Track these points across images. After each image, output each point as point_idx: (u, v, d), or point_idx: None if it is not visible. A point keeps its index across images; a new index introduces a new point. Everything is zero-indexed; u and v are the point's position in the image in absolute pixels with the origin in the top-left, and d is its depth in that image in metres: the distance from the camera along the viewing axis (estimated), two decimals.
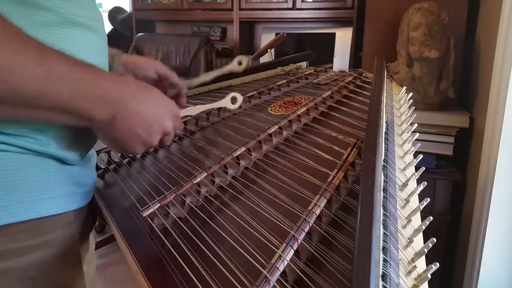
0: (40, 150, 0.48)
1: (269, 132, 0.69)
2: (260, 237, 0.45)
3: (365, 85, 0.95)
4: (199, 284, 0.40)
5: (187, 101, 0.77)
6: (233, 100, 0.66)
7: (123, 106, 0.47)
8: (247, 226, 0.47)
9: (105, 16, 3.24)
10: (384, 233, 0.38)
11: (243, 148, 0.65)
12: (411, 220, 0.44)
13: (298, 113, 0.76)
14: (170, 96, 0.71)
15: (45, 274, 0.51)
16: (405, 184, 0.51)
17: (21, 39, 0.39)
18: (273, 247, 0.42)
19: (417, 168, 0.55)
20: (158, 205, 0.53)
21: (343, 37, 2.42)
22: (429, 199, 0.46)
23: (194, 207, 0.54)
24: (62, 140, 0.50)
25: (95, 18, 0.54)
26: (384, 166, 0.50)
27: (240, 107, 0.85)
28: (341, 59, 2.41)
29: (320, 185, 0.52)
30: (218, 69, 0.75)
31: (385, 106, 0.73)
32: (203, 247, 0.45)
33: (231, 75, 1.25)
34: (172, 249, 0.46)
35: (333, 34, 2.46)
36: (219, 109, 0.90)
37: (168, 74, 0.73)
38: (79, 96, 0.43)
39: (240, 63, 0.71)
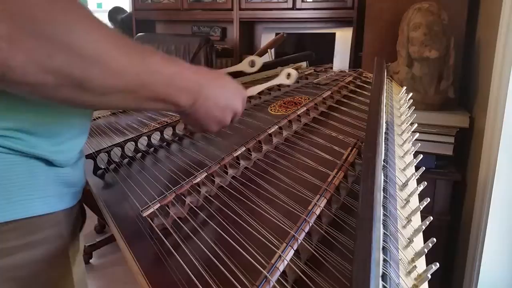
0: (28, 152, 0.48)
1: (269, 132, 0.69)
2: (260, 237, 0.45)
3: (365, 85, 0.95)
4: (199, 284, 0.40)
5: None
6: (288, 76, 0.72)
7: (202, 93, 0.54)
8: (247, 226, 0.47)
9: (105, 16, 3.24)
10: (384, 233, 0.38)
11: (243, 148, 0.65)
12: (411, 220, 0.44)
13: (298, 113, 0.76)
14: None
15: (33, 274, 0.51)
16: (405, 184, 0.51)
17: (126, 43, 0.45)
18: (273, 247, 0.42)
19: (417, 168, 0.55)
20: (158, 205, 0.53)
21: (343, 37, 2.42)
22: (429, 199, 0.46)
23: (194, 207, 0.54)
24: (50, 142, 0.50)
25: None
26: (384, 166, 0.50)
27: (297, 81, 0.90)
28: (341, 59, 2.41)
29: (320, 185, 0.52)
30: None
31: (385, 106, 0.73)
32: (203, 247, 0.45)
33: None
34: (172, 249, 0.46)
35: (333, 34, 2.46)
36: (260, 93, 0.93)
37: None
38: (169, 87, 0.49)
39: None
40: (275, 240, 0.44)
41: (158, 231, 0.50)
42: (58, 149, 0.52)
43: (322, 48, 2.47)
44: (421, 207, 0.45)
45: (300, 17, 2.48)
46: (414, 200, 0.48)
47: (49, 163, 0.51)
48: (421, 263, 0.38)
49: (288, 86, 0.72)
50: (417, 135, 0.65)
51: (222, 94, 0.57)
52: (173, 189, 0.56)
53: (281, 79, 0.70)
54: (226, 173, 0.61)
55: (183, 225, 0.51)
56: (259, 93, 0.93)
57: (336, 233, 0.44)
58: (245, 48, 2.78)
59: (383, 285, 0.31)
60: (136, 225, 0.55)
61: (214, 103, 0.56)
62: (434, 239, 0.38)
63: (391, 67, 1.65)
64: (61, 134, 0.52)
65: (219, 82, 0.57)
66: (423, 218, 0.43)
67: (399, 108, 0.81)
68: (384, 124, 0.63)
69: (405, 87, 0.93)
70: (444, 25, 1.50)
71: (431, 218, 0.41)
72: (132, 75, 0.44)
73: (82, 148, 0.59)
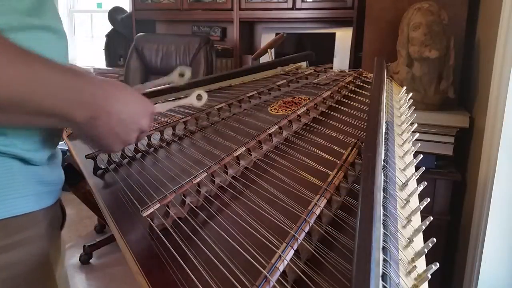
0: (3, 151, 0.48)
1: (269, 132, 0.69)
2: (260, 237, 0.45)
3: (365, 85, 0.95)
4: (199, 284, 0.40)
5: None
6: (199, 97, 0.67)
7: (102, 108, 0.48)
8: (247, 226, 0.47)
9: (105, 16, 3.24)
10: (384, 233, 0.38)
11: (243, 148, 0.65)
12: (411, 220, 0.44)
13: (298, 113, 0.76)
14: None
15: (13, 276, 0.51)
16: (405, 184, 0.51)
17: (3, 44, 0.41)
18: (273, 247, 0.42)
19: (417, 168, 0.55)
20: (158, 205, 0.53)
21: (343, 37, 2.42)
22: (429, 199, 0.46)
23: (194, 207, 0.54)
24: (25, 141, 0.51)
25: (55, 19, 0.55)
26: (384, 166, 0.50)
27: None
28: (341, 59, 2.41)
29: (320, 185, 0.52)
30: (151, 82, 0.72)
31: (385, 106, 0.73)
32: (203, 247, 0.45)
33: (231, 75, 1.25)
34: (172, 249, 0.46)
35: (333, 34, 2.46)
36: (219, 109, 0.90)
37: None
38: (60, 100, 0.44)
39: (182, 75, 0.68)
40: (275, 240, 0.44)
41: (158, 231, 0.50)
42: (33, 148, 0.52)
43: (322, 48, 2.47)
44: (421, 207, 0.45)
45: (300, 17, 2.48)
46: (414, 200, 0.48)
47: (25, 162, 0.51)
48: (421, 263, 0.38)
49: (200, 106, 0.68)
50: (417, 135, 0.65)
51: (127, 110, 0.52)
52: (173, 189, 0.56)
53: (191, 100, 0.67)
54: (226, 173, 0.61)
55: (183, 225, 0.51)
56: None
57: (336, 233, 0.44)
58: (245, 48, 2.78)
59: (383, 285, 0.31)
60: (136, 225, 0.55)
61: (117, 120, 0.50)
62: (434, 239, 0.38)
63: (391, 67, 1.65)
64: (35, 133, 0.52)
65: (124, 97, 0.52)
66: (423, 218, 0.43)
67: (399, 108, 0.81)
68: (384, 124, 0.63)
69: (405, 87, 0.93)
70: (444, 25, 1.50)
71: (431, 218, 0.41)
72: (16, 85, 0.41)
73: (57, 146, 0.59)
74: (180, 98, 0.68)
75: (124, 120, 0.51)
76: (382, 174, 0.48)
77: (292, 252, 0.40)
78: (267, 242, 0.44)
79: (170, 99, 0.84)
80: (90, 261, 2.23)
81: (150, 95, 1.13)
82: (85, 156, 0.76)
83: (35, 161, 0.53)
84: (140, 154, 0.79)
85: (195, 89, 0.69)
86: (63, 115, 0.46)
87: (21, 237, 0.51)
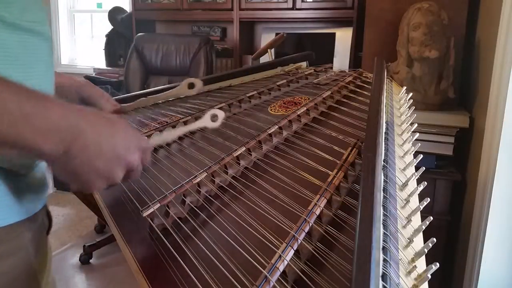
0: None
1: (269, 132, 0.69)
2: (260, 237, 0.45)
3: (365, 85, 0.95)
4: (199, 284, 0.40)
5: (173, 110, 0.72)
6: (214, 117, 0.59)
7: (78, 139, 0.42)
8: (247, 226, 0.47)
9: (105, 16, 3.24)
10: (384, 233, 0.38)
11: (243, 148, 0.65)
12: (411, 220, 0.44)
13: (298, 113, 0.76)
14: None
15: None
16: (405, 184, 0.51)
17: None
18: (273, 247, 0.42)
19: (417, 168, 0.55)
20: (158, 205, 0.53)
21: (343, 37, 2.42)
22: (429, 199, 0.46)
23: (194, 207, 0.54)
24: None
25: (39, 22, 0.53)
26: (384, 166, 0.50)
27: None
28: (341, 59, 2.41)
29: (320, 185, 0.52)
30: (164, 93, 0.68)
31: (385, 106, 0.73)
32: (203, 247, 0.45)
33: (231, 75, 1.25)
34: (172, 249, 0.46)
35: (333, 34, 2.46)
36: (219, 109, 0.90)
37: (94, 97, 0.70)
38: (24, 128, 0.39)
39: (191, 86, 0.63)
40: (275, 240, 0.44)
41: (158, 231, 0.50)
42: (13, 158, 0.48)
43: (322, 48, 2.48)
44: (421, 207, 0.45)
45: (300, 17, 2.48)
46: (414, 200, 0.48)
47: (6, 172, 0.48)
48: (421, 263, 0.38)
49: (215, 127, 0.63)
50: (417, 135, 0.65)
51: (109, 142, 0.45)
52: (173, 189, 0.56)
53: (204, 122, 0.58)
54: (226, 173, 0.61)
55: (183, 225, 0.51)
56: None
57: (336, 233, 0.44)
58: (245, 48, 2.78)
59: (383, 285, 0.31)
60: (136, 225, 0.55)
61: (97, 153, 0.44)
62: (434, 239, 0.38)
63: (391, 67, 1.65)
64: None
65: (108, 128, 0.46)
66: (423, 218, 0.43)
67: (399, 108, 0.81)
68: (384, 124, 0.63)
69: (405, 87, 0.93)
70: (444, 25, 1.50)
71: (431, 218, 0.41)
72: None
73: None
74: (185, 124, 0.61)
75: (105, 154, 0.45)
76: (382, 174, 0.48)
77: (292, 252, 0.40)
78: (267, 242, 0.44)
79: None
80: (90, 261, 2.23)
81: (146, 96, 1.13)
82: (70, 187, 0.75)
83: (17, 171, 0.50)
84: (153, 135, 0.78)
85: (208, 109, 0.63)
86: (30, 147, 0.40)
87: (2, 249, 0.49)
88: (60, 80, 0.68)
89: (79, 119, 0.43)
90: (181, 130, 0.58)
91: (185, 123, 0.87)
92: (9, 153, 0.42)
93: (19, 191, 0.51)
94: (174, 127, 0.85)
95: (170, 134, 0.57)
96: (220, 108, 0.90)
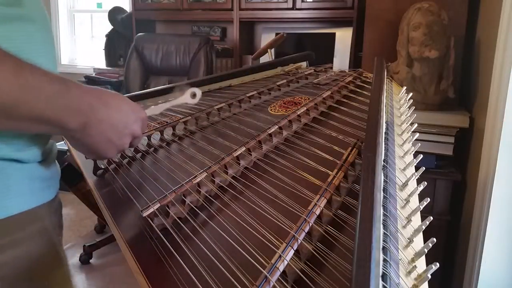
0: None
1: (269, 132, 0.69)
2: (260, 237, 0.45)
3: (365, 85, 0.95)
4: (199, 284, 0.40)
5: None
6: (193, 95, 0.67)
7: (93, 114, 0.49)
8: (247, 226, 0.47)
9: (105, 16, 3.24)
10: (384, 233, 0.38)
11: (243, 148, 0.65)
12: (411, 220, 0.44)
13: (298, 113, 0.76)
14: None
15: (21, 271, 0.52)
16: (405, 184, 0.51)
17: None
18: (273, 247, 0.42)
19: (417, 168, 0.55)
20: (158, 205, 0.53)
21: (343, 37, 2.42)
22: (429, 199, 0.46)
23: (194, 207, 0.54)
24: (14, 141, 0.51)
25: (37, 10, 0.55)
26: (384, 166, 0.50)
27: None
28: (341, 59, 2.41)
29: (320, 185, 0.52)
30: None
31: (385, 106, 0.73)
32: (203, 247, 0.45)
33: (231, 75, 1.25)
34: (172, 249, 0.46)
35: (333, 34, 2.46)
36: (219, 109, 0.90)
37: None
38: (51, 106, 0.45)
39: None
40: (275, 240, 0.44)
41: (158, 231, 0.50)
42: (21, 147, 0.52)
43: (322, 48, 2.48)
44: (421, 207, 0.45)
45: (300, 17, 2.48)
46: (414, 200, 0.48)
47: (18, 161, 0.52)
48: (421, 263, 0.38)
49: (192, 104, 0.69)
50: (417, 135, 0.65)
51: (118, 116, 0.53)
52: (173, 189, 0.56)
53: (185, 99, 0.67)
54: (226, 173, 0.61)
55: (183, 225, 0.51)
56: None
57: (336, 233, 0.44)
58: (245, 48, 2.78)
59: (383, 285, 0.31)
60: (136, 225, 0.55)
61: (109, 126, 0.52)
62: (434, 239, 0.38)
63: (391, 67, 1.65)
64: (20, 137, 0.52)
65: (114, 104, 0.53)
66: (423, 218, 0.43)
67: (399, 108, 0.81)
68: (384, 124, 0.63)
69: (405, 87, 0.93)
70: (444, 25, 1.50)
71: (431, 218, 0.41)
72: (6, 93, 0.41)
73: (49, 141, 0.60)
74: (185, 124, 0.68)
75: (116, 126, 0.52)
76: (382, 174, 0.48)
77: (292, 252, 0.40)
78: (267, 242, 0.44)
79: (160, 102, 0.84)
80: (90, 261, 2.23)
81: (146, 96, 1.13)
82: (85, 156, 0.76)
83: (28, 159, 0.53)
84: (140, 154, 0.79)
85: (188, 87, 0.69)
86: (55, 123, 0.46)
87: (22, 234, 0.52)
88: None
89: (93, 98, 0.50)
90: (164, 106, 0.66)
91: (185, 123, 0.87)
92: (38, 129, 0.46)
93: (33, 179, 0.55)
94: (174, 127, 0.86)
95: (157, 109, 0.65)
96: (220, 108, 0.91)
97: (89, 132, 0.50)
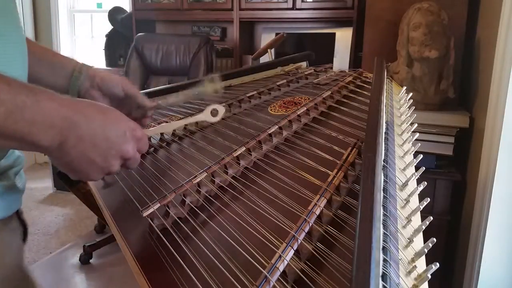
0: None
1: (269, 132, 0.69)
2: (260, 237, 0.45)
3: (365, 85, 0.95)
4: (199, 284, 0.40)
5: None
6: (214, 112, 0.59)
7: (72, 130, 0.43)
8: (247, 226, 0.47)
9: (105, 16, 3.24)
10: (384, 233, 0.38)
11: (243, 148, 0.65)
12: (411, 220, 0.44)
13: (298, 113, 0.76)
14: (135, 117, 0.68)
15: None
16: (405, 184, 0.51)
17: None
18: (273, 247, 0.42)
19: (417, 168, 0.55)
20: (158, 205, 0.53)
21: (343, 37, 2.42)
22: (429, 199, 0.46)
23: (194, 207, 0.54)
24: None
25: (10, 24, 0.51)
26: (384, 166, 0.50)
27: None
28: (341, 59, 2.41)
29: (320, 185, 0.52)
30: (183, 119, 0.65)
31: (385, 106, 0.73)
32: (203, 247, 0.45)
33: (231, 75, 1.25)
34: (172, 249, 0.46)
35: (333, 34, 2.46)
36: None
37: (135, 93, 0.71)
38: (13, 121, 0.39)
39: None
40: (275, 240, 0.44)
41: (158, 231, 0.50)
42: None
43: (322, 48, 2.47)
44: (421, 207, 0.45)
45: (300, 17, 2.48)
46: (414, 200, 0.48)
47: None
48: (421, 263, 0.38)
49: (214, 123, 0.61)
50: (417, 135, 0.65)
51: (105, 134, 0.46)
52: (173, 189, 0.56)
53: (204, 116, 0.58)
54: (226, 173, 0.61)
55: (183, 225, 0.51)
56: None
57: (336, 233, 0.44)
58: (245, 48, 2.78)
59: (383, 285, 0.31)
60: (136, 225, 0.55)
61: (91, 145, 0.45)
62: (434, 239, 0.38)
63: (391, 67, 1.65)
64: None
65: (100, 119, 0.46)
66: (423, 218, 0.43)
67: (399, 108, 0.81)
68: (384, 124, 0.63)
69: (405, 87, 0.93)
70: (444, 25, 1.50)
71: (431, 218, 0.41)
72: None
73: (6, 154, 0.54)
74: (184, 118, 0.60)
75: (100, 145, 0.46)
76: (382, 174, 0.48)
77: (292, 252, 0.40)
78: (267, 242, 0.44)
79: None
80: (90, 261, 2.23)
81: (155, 94, 1.13)
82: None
83: None
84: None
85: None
86: (23, 140, 0.41)
87: None
88: (105, 75, 0.71)
89: (73, 112, 0.44)
90: (178, 123, 0.59)
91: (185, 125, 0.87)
92: (9, 146, 0.43)
93: None
94: None
95: (167, 126, 0.57)
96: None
97: (67, 150, 0.44)
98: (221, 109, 0.59)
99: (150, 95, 1.18)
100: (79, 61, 0.70)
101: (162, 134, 0.83)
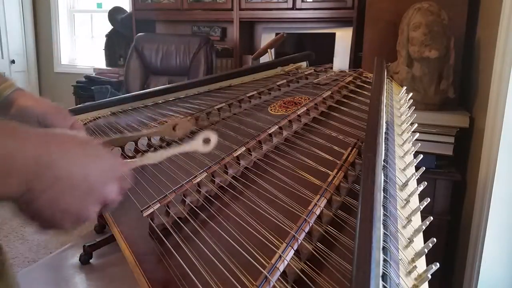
0: None
1: (269, 132, 0.69)
2: (260, 237, 0.45)
3: (365, 85, 0.95)
4: (199, 284, 0.40)
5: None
6: (206, 141, 0.53)
7: (42, 172, 0.34)
8: (247, 226, 0.47)
9: (105, 16, 3.24)
10: (384, 233, 0.38)
11: (243, 148, 0.65)
12: (411, 220, 0.44)
13: (298, 113, 0.76)
14: None
15: None
16: (405, 184, 0.51)
17: None
18: (273, 247, 0.42)
19: (417, 168, 0.55)
20: (158, 205, 0.53)
21: (343, 37, 2.42)
22: (429, 199, 0.46)
23: (194, 207, 0.54)
24: None
25: None
26: (384, 166, 0.50)
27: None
28: (341, 59, 2.41)
29: (320, 185, 0.52)
30: (171, 149, 0.54)
31: (385, 106, 0.73)
32: (203, 247, 0.45)
33: (231, 75, 1.25)
34: (172, 249, 0.46)
35: (333, 34, 2.46)
36: (219, 109, 0.90)
37: (59, 124, 0.55)
38: None
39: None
40: (275, 240, 0.44)
41: (158, 231, 0.50)
42: None
43: (322, 48, 2.47)
44: (421, 207, 0.45)
45: (300, 17, 2.48)
46: (414, 200, 0.48)
47: None
48: (421, 263, 0.38)
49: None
50: (417, 135, 0.65)
51: (84, 173, 0.37)
52: (173, 189, 0.56)
53: (195, 146, 0.51)
54: (226, 173, 0.61)
55: (183, 225, 0.51)
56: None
57: (336, 233, 0.44)
58: (245, 48, 2.78)
59: (383, 285, 0.31)
60: (136, 225, 0.55)
61: (67, 187, 0.36)
62: (434, 239, 0.38)
63: (391, 67, 1.65)
64: None
65: (80, 154, 0.38)
66: (423, 218, 0.43)
67: (399, 108, 0.81)
68: (384, 124, 0.63)
69: (405, 87, 0.93)
70: (444, 25, 1.50)
71: (431, 218, 0.41)
72: None
73: None
74: (172, 147, 0.51)
75: (77, 188, 0.37)
76: (382, 174, 0.48)
77: (292, 252, 0.40)
78: (267, 242, 0.44)
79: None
80: (90, 261, 2.23)
81: (156, 94, 1.12)
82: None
83: None
84: (140, 154, 0.79)
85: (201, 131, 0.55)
86: None
87: None
88: (26, 104, 0.56)
89: (44, 148, 0.35)
90: (165, 153, 0.51)
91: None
92: None
93: None
94: (174, 127, 0.85)
95: (153, 157, 0.49)
96: (220, 108, 0.90)
97: (37, 197, 0.35)
98: (214, 138, 0.52)
99: (150, 95, 1.18)
100: (9, 82, 0.58)
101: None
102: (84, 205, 0.38)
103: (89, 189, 0.38)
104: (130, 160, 0.48)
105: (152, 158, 0.49)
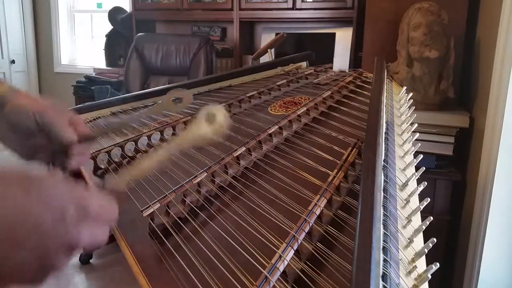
0: None
1: (269, 132, 0.69)
2: (260, 237, 0.45)
3: (365, 85, 0.95)
4: (199, 284, 0.40)
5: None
6: (210, 118, 0.44)
7: None
8: (247, 226, 0.47)
9: (105, 16, 3.24)
10: (384, 233, 0.38)
11: (243, 148, 0.65)
12: (411, 220, 0.44)
13: (298, 113, 0.76)
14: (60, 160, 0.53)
15: None
16: (405, 184, 0.51)
17: None
18: (273, 247, 0.42)
19: (417, 168, 0.55)
20: (158, 205, 0.53)
21: (343, 37, 2.42)
22: (429, 199, 0.46)
23: (194, 207, 0.54)
24: None
25: None
26: (384, 166, 0.50)
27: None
28: (341, 59, 2.41)
29: (320, 185, 0.52)
30: (143, 111, 0.47)
31: (385, 106, 0.73)
32: (203, 247, 0.45)
33: (231, 75, 1.25)
34: (172, 249, 0.46)
35: (333, 34, 2.46)
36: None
37: (53, 122, 0.51)
38: None
39: (177, 100, 0.44)
40: (275, 240, 0.44)
41: (158, 231, 0.50)
42: None
43: (322, 48, 2.47)
44: (421, 207, 0.45)
45: (300, 17, 2.48)
46: (414, 200, 0.48)
47: None
48: (421, 263, 0.38)
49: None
50: (417, 135, 0.65)
51: (29, 223, 0.29)
52: (173, 189, 0.56)
53: (199, 129, 0.43)
54: (226, 173, 0.61)
55: (183, 225, 0.51)
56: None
57: (336, 233, 0.44)
58: (245, 48, 2.78)
59: (383, 285, 0.31)
60: (136, 225, 0.55)
61: (13, 241, 0.28)
62: (434, 239, 0.38)
63: (391, 67, 1.65)
64: None
65: (25, 201, 0.29)
66: (423, 218, 0.43)
67: (399, 108, 0.81)
68: (384, 124, 0.63)
69: (405, 87, 0.93)
70: (444, 25, 1.50)
71: (431, 218, 0.41)
72: None
73: None
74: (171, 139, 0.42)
75: (25, 240, 0.29)
76: (382, 174, 0.48)
77: (292, 252, 0.40)
78: (267, 242, 0.44)
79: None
80: (90, 261, 2.23)
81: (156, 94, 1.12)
82: None
83: None
84: (140, 154, 0.79)
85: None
86: None
87: None
88: (19, 103, 0.52)
89: None
90: (167, 153, 0.45)
91: (185, 123, 0.86)
92: None
93: None
94: (174, 127, 0.85)
95: (147, 165, 0.42)
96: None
97: None
98: (220, 112, 0.43)
99: (150, 95, 1.18)
100: (4, 85, 0.54)
101: (161, 133, 0.83)
102: (43, 258, 0.30)
103: (41, 239, 0.29)
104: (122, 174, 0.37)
105: (148, 167, 0.43)
